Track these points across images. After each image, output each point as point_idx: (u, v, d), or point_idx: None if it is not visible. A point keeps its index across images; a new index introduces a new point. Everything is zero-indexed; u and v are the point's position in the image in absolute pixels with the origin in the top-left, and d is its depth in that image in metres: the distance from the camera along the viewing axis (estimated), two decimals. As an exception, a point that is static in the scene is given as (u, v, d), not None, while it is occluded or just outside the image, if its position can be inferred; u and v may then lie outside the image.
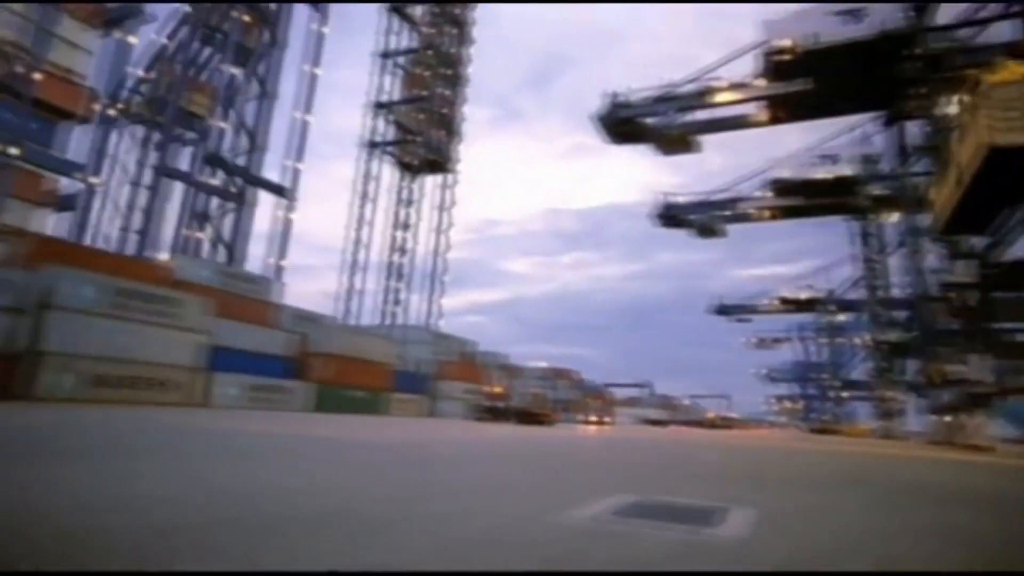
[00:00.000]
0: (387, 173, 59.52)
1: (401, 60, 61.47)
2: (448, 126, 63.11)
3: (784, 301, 60.58)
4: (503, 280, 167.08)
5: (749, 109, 38.30)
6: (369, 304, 51.77)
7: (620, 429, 36.64)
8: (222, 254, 34.91)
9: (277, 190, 38.84)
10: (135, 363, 18.65)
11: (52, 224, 28.27)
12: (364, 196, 56.03)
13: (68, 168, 25.94)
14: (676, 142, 40.88)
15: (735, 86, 36.59)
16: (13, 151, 23.49)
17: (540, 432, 20.24)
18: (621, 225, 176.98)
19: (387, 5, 60.89)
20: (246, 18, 36.37)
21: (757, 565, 2.55)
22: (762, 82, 33.81)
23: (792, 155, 44.12)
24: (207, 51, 36.74)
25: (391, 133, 60.04)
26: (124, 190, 35.16)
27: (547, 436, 17.25)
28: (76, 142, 28.89)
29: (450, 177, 63.30)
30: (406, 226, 58.18)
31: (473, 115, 66.84)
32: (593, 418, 48.92)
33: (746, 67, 34.64)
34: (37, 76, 24.33)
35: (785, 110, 35.39)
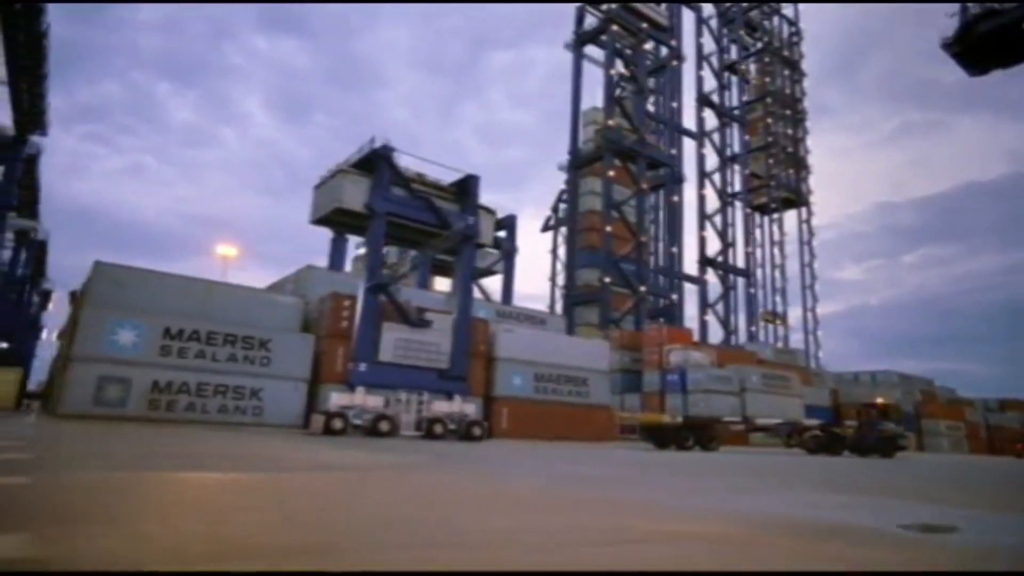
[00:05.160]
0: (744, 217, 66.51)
1: (736, 112, 68.06)
2: (796, 163, 67.50)
3: None
4: (835, 291, 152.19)
5: None
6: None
7: None
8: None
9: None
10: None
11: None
12: (724, 241, 64.72)
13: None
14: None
15: None
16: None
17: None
18: (985, 207, 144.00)
19: (720, 64, 66.11)
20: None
21: None
22: None
23: None
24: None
25: (739, 181, 66.96)
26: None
27: None
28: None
29: (804, 211, 67.95)
30: (773, 265, 64.77)
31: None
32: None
33: None
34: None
35: None
